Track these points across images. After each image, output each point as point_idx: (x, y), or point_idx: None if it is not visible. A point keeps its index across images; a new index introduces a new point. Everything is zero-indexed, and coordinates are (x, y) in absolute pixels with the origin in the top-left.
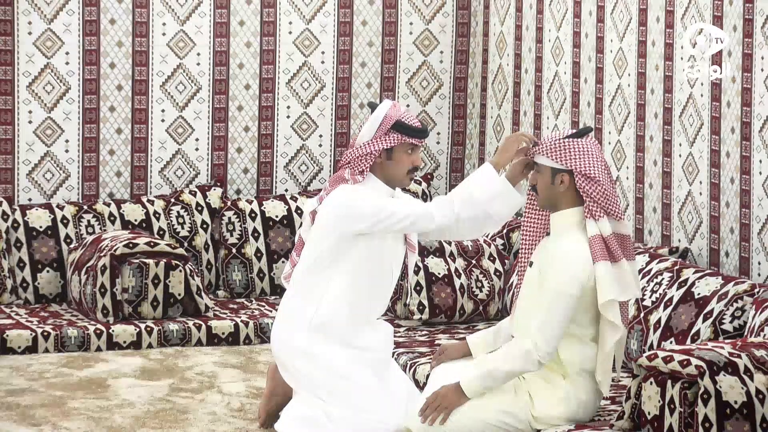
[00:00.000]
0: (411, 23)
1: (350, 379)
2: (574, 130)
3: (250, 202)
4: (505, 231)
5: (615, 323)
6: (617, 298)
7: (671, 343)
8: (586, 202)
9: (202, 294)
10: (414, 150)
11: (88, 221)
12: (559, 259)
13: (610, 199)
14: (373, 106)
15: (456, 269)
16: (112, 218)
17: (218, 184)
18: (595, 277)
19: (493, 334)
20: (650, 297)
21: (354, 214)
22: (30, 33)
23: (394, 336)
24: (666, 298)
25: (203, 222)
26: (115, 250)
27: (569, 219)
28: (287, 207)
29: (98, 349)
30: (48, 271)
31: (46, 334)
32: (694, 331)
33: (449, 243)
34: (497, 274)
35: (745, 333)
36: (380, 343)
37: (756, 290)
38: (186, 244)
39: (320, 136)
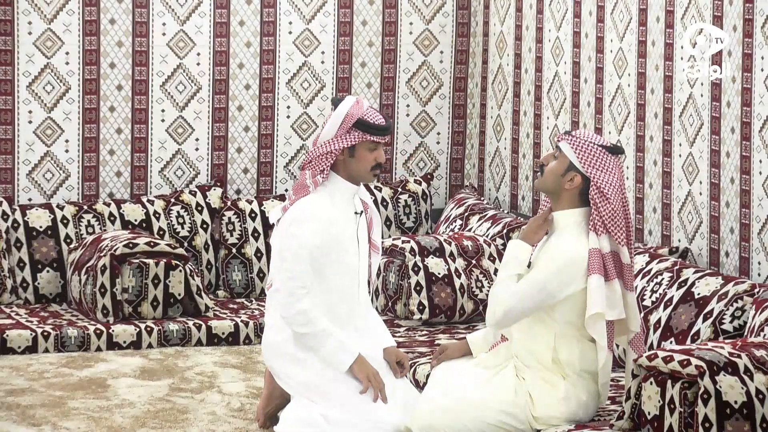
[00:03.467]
0: (411, 23)
1: (344, 381)
2: (612, 144)
3: (250, 202)
4: (505, 231)
5: (599, 343)
6: (605, 314)
7: (671, 343)
8: (592, 213)
9: (202, 294)
10: (377, 147)
11: (88, 221)
12: (551, 253)
13: (615, 222)
14: (336, 102)
15: (456, 269)
16: (112, 218)
17: (218, 184)
18: (585, 287)
19: (494, 333)
20: (650, 297)
21: (284, 251)
22: (30, 33)
23: (395, 336)
24: (666, 298)
25: (203, 222)
26: (115, 250)
27: (570, 219)
28: None
29: (98, 349)
30: (48, 271)
31: (46, 334)
32: (694, 331)
33: (449, 243)
34: (497, 273)
35: (745, 333)
36: (364, 343)
37: (756, 290)
38: (186, 244)
39: None
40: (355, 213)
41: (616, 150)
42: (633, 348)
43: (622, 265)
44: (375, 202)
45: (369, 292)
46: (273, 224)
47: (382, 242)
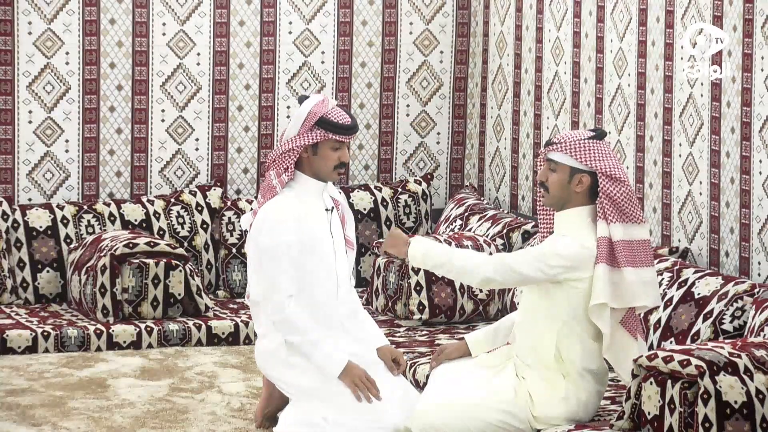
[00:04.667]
0: (411, 23)
1: (341, 383)
2: (593, 132)
3: (250, 202)
4: (505, 231)
5: (603, 330)
6: (609, 303)
7: (671, 343)
8: (600, 203)
9: (202, 294)
10: (341, 146)
11: (88, 221)
12: (558, 242)
13: (633, 201)
14: (302, 100)
15: None
16: (112, 218)
17: (218, 184)
18: (590, 276)
19: (493, 332)
20: None
21: (263, 260)
22: (30, 33)
23: (395, 336)
24: (666, 298)
25: (203, 222)
26: (115, 250)
27: (574, 218)
28: None
29: (98, 349)
30: (48, 271)
31: (46, 334)
32: (694, 331)
33: (449, 243)
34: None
35: (745, 333)
36: (356, 345)
37: (756, 290)
38: (186, 244)
39: None
40: (326, 210)
41: (601, 134)
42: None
43: (641, 244)
44: (375, 201)
45: (354, 289)
46: (246, 230)
47: (382, 242)
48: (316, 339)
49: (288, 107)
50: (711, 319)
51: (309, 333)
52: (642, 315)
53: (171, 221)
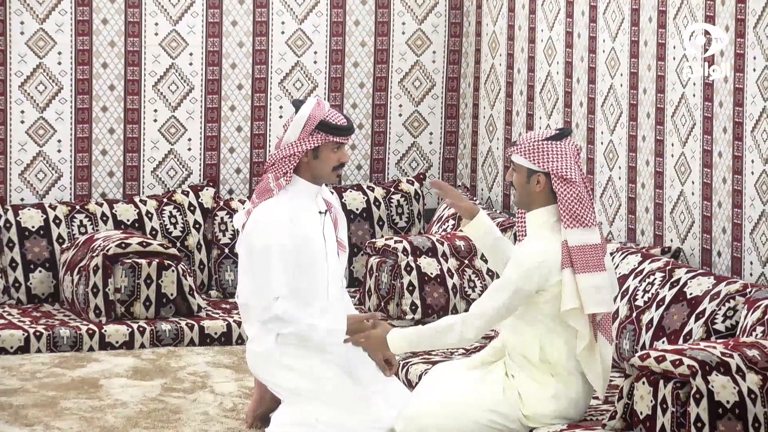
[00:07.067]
0: (403, 23)
1: (332, 382)
2: (555, 131)
3: (243, 202)
4: None
5: (581, 331)
6: (578, 308)
7: (663, 343)
8: (558, 206)
9: (195, 294)
10: (340, 147)
11: (81, 221)
12: (520, 254)
13: (583, 203)
14: (297, 105)
15: (448, 269)
16: (104, 218)
17: (211, 184)
18: (561, 280)
19: (495, 240)
20: (642, 297)
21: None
22: (22, 33)
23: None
24: (658, 297)
25: (196, 222)
26: (107, 250)
27: (540, 219)
28: None
29: (90, 349)
30: (40, 271)
31: (38, 334)
32: (686, 331)
33: (442, 243)
34: (489, 273)
35: (737, 333)
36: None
37: (748, 290)
38: (178, 244)
39: None
40: (319, 213)
41: (561, 135)
42: (601, 331)
43: (592, 249)
44: (368, 201)
45: (346, 291)
46: (238, 229)
47: (375, 242)
48: (311, 321)
49: (281, 107)
50: (703, 319)
51: (302, 319)
52: (600, 319)
53: (163, 221)
